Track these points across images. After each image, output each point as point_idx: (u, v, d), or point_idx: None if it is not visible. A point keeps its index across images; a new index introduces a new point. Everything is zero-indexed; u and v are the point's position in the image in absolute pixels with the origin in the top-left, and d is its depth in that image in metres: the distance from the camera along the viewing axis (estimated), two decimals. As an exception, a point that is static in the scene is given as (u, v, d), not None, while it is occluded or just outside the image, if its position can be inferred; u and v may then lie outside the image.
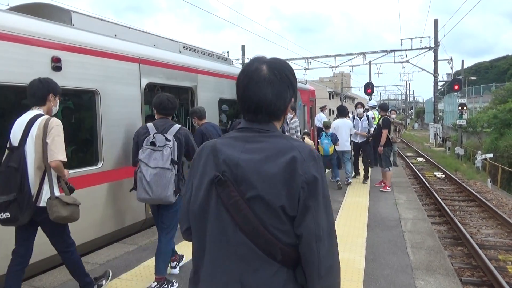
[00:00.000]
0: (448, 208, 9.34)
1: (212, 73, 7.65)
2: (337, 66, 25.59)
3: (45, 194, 3.04)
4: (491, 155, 17.25)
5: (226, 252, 1.30)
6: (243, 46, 28.29)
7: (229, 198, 1.28)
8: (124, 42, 5.61)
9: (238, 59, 27.13)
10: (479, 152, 18.24)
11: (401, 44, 33.73)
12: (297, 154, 1.28)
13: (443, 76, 27.96)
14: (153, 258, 4.49)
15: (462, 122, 22.24)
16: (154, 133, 3.61)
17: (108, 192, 5.11)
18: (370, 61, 26.85)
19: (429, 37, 23.28)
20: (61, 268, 4.30)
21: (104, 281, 3.71)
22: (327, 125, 9.12)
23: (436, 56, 23.39)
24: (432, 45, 23.09)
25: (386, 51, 24.03)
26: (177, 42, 7.52)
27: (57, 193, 3.08)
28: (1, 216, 2.90)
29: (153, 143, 3.55)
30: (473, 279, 5.72)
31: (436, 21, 23.34)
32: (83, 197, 4.74)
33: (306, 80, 26.76)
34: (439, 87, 26.72)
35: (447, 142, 25.45)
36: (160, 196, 3.48)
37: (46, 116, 3.10)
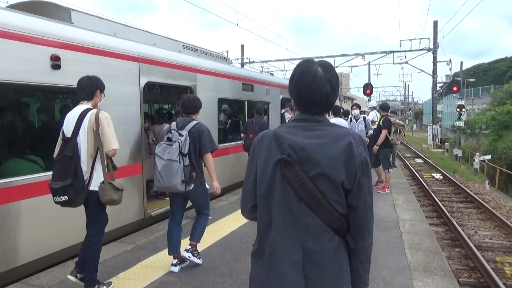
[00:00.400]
0: (446, 210, 9.35)
1: (211, 73, 7.64)
2: (336, 67, 25.56)
3: (95, 179, 3.40)
4: (489, 156, 17.27)
5: (290, 223, 1.56)
6: (242, 46, 28.25)
7: (294, 176, 1.53)
8: (123, 40, 5.60)
9: (237, 59, 27.10)
10: (477, 153, 18.25)
11: (400, 45, 33.60)
12: (351, 139, 1.56)
13: (442, 78, 28.02)
14: (151, 258, 4.52)
15: (461, 123, 22.25)
16: (173, 130, 4.04)
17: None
18: (369, 62, 26.85)
19: (428, 38, 23.31)
20: (59, 266, 4.30)
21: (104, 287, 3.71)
22: None
23: (435, 58, 23.39)
24: (431, 46, 23.11)
25: (385, 52, 24.05)
26: (176, 41, 7.51)
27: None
28: (60, 199, 3.29)
29: (169, 139, 3.97)
30: (470, 280, 5.72)
31: (435, 23, 23.36)
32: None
33: (305, 81, 26.76)
34: (437, 89, 26.74)
35: (446, 143, 25.48)
36: (169, 184, 3.87)
37: (95, 110, 3.47)
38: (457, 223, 8.26)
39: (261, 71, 24.28)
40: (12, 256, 3.96)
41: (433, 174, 15.35)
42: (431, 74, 24.13)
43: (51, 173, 3.41)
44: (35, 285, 3.85)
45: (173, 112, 9.21)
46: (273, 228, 1.59)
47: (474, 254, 6.35)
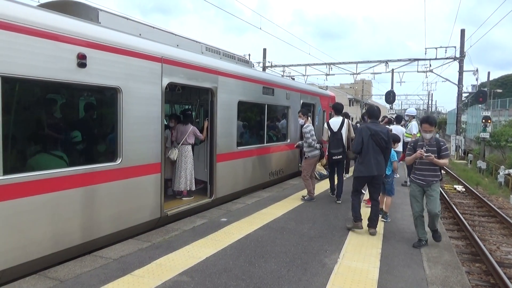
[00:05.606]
0: (467, 223, 9.11)
1: (232, 75, 7.68)
2: (359, 73, 25.28)
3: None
4: (514, 170, 16.71)
5: (373, 152, 5.81)
6: (264, 50, 28.26)
7: (375, 139, 5.79)
8: (148, 41, 5.69)
9: (259, 62, 27.13)
10: (502, 166, 17.70)
11: (425, 53, 33.19)
12: (387, 128, 6.45)
13: (467, 88, 27.38)
14: (166, 257, 4.54)
15: (486, 135, 21.64)
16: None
17: (126, 188, 5.18)
18: (392, 69, 26.42)
19: (455, 47, 22.74)
20: (76, 260, 4.38)
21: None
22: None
23: (461, 67, 22.84)
24: (458, 55, 22.60)
25: (409, 59, 23.63)
26: (199, 43, 7.58)
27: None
28: (336, 157, 7.78)
29: None
30: (490, 297, 5.55)
31: (462, 31, 22.84)
32: (101, 193, 4.83)
33: (327, 86, 26.53)
34: (463, 99, 26.11)
35: (469, 155, 24.83)
36: None
37: (346, 119, 7.99)
38: (478, 237, 8.04)
39: (283, 75, 24.24)
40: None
41: (455, 186, 14.98)
42: (457, 83, 23.58)
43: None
44: (53, 277, 3.93)
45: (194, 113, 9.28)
46: (368, 154, 5.78)
47: (496, 270, 6.16)
